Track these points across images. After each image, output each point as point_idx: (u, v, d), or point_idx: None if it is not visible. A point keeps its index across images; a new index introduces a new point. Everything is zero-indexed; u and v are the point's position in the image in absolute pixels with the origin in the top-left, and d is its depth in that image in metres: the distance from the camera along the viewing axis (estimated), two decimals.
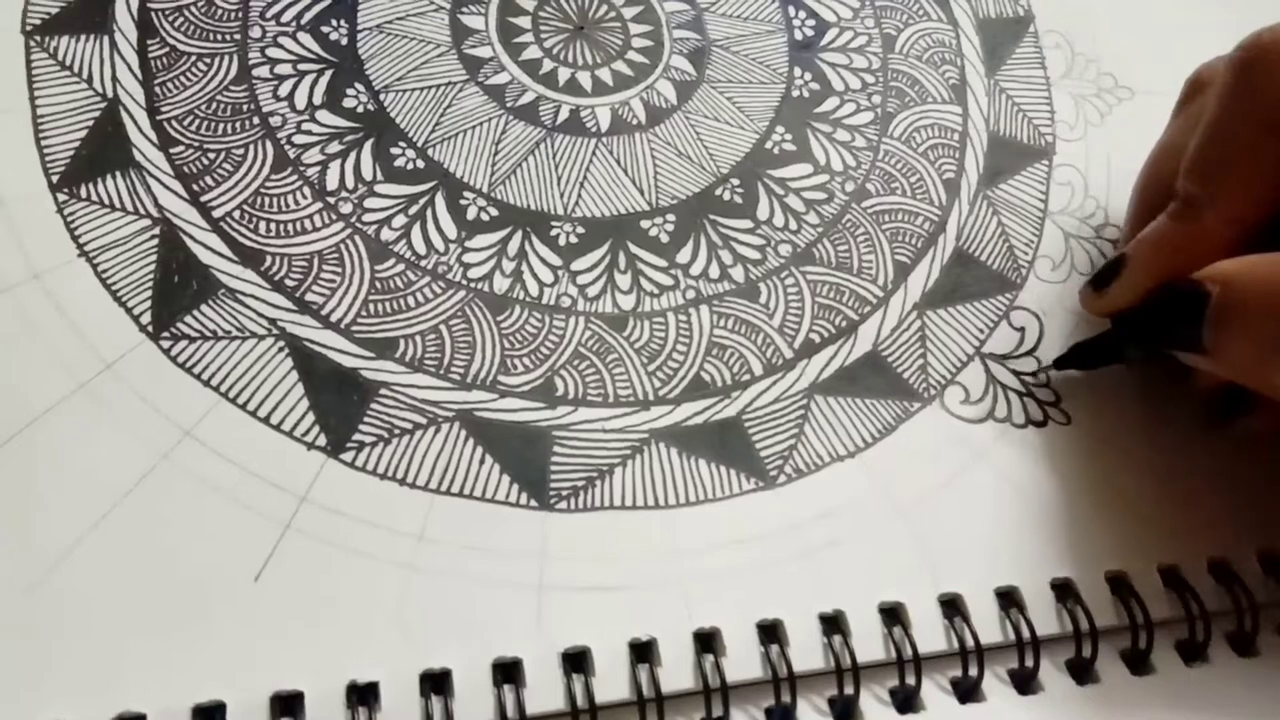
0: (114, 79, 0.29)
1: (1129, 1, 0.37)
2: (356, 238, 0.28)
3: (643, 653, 0.24)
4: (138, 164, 0.28)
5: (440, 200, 0.29)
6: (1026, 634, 0.26)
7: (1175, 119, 0.31)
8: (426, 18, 0.32)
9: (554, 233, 0.30)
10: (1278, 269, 0.24)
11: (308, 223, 0.28)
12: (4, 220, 0.26)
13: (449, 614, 0.24)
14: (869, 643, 0.25)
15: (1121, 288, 0.28)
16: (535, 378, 0.27)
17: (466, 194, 0.30)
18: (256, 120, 0.29)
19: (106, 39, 0.29)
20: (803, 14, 0.35)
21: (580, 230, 0.30)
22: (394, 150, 0.30)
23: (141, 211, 0.27)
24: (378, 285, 0.28)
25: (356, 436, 0.26)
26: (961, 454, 0.29)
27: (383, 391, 0.26)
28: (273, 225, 0.28)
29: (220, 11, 0.30)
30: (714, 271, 0.30)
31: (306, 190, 0.29)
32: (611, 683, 0.24)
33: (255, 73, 0.30)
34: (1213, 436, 0.30)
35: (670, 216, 0.31)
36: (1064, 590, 0.27)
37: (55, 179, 0.27)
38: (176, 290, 0.27)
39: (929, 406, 0.29)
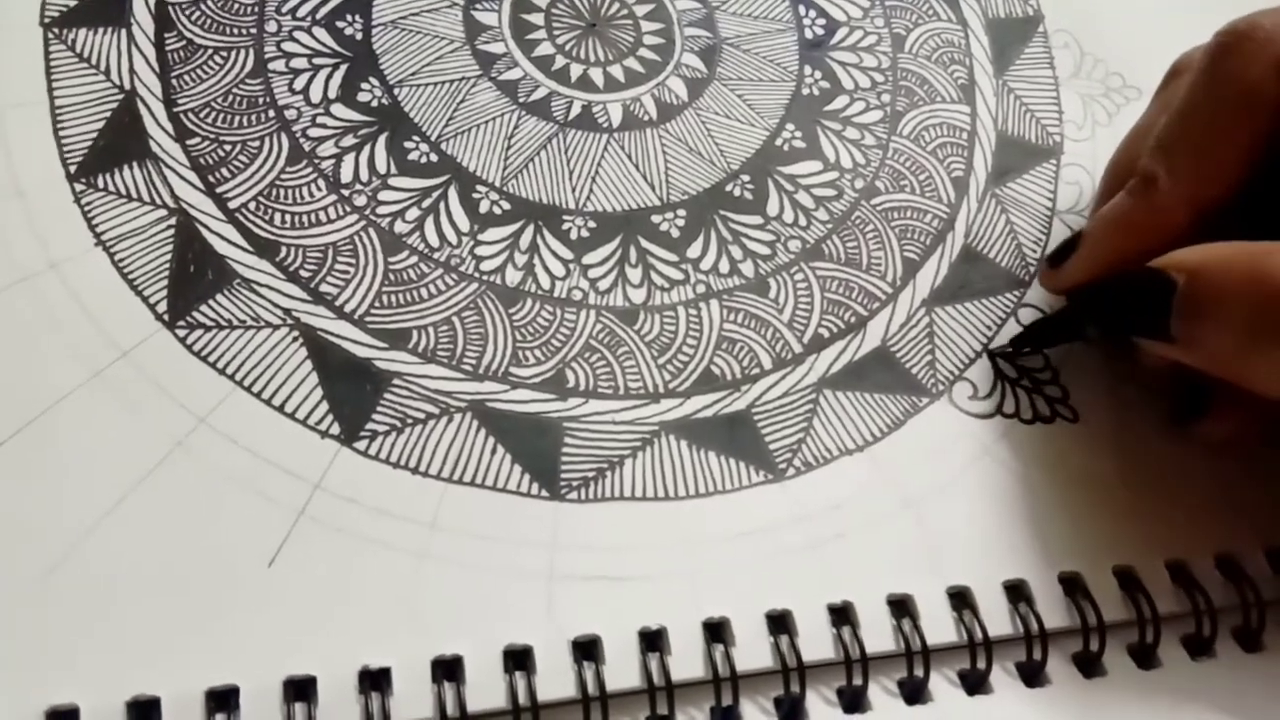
0: (131, 71, 0.29)
1: (1137, 1, 0.38)
2: (370, 230, 0.29)
3: (652, 642, 0.25)
4: (154, 155, 0.28)
5: (453, 194, 0.30)
6: (1034, 627, 0.26)
7: (1152, 104, 0.31)
8: (440, 14, 0.32)
9: (565, 227, 0.30)
10: (1250, 257, 0.24)
11: (322, 215, 0.28)
12: (22, 210, 0.27)
13: (461, 601, 0.24)
14: (877, 634, 0.26)
15: (1076, 264, 0.29)
16: (547, 369, 0.28)
17: (479, 188, 0.30)
18: (272, 113, 0.29)
19: (124, 32, 0.30)
20: (813, 13, 0.35)
21: (592, 224, 0.30)
22: (408, 144, 0.30)
23: (158, 202, 0.28)
24: (391, 277, 0.28)
25: (370, 425, 0.26)
26: (970, 448, 0.29)
27: (396, 381, 0.27)
28: (288, 217, 0.28)
29: (237, 6, 0.31)
30: (724, 266, 0.30)
31: (321, 183, 0.29)
32: (622, 671, 0.24)
33: (271, 66, 0.30)
34: (1179, 441, 0.29)
35: (681, 212, 0.31)
36: (1072, 584, 0.27)
37: (73, 169, 0.27)
38: (192, 280, 0.27)
39: (937, 402, 0.29)
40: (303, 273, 0.28)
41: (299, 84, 0.30)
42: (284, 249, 0.28)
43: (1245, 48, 0.26)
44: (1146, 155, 0.27)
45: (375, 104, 0.30)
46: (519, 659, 0.24)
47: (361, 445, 0.26)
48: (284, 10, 0.31)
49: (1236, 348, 0.24)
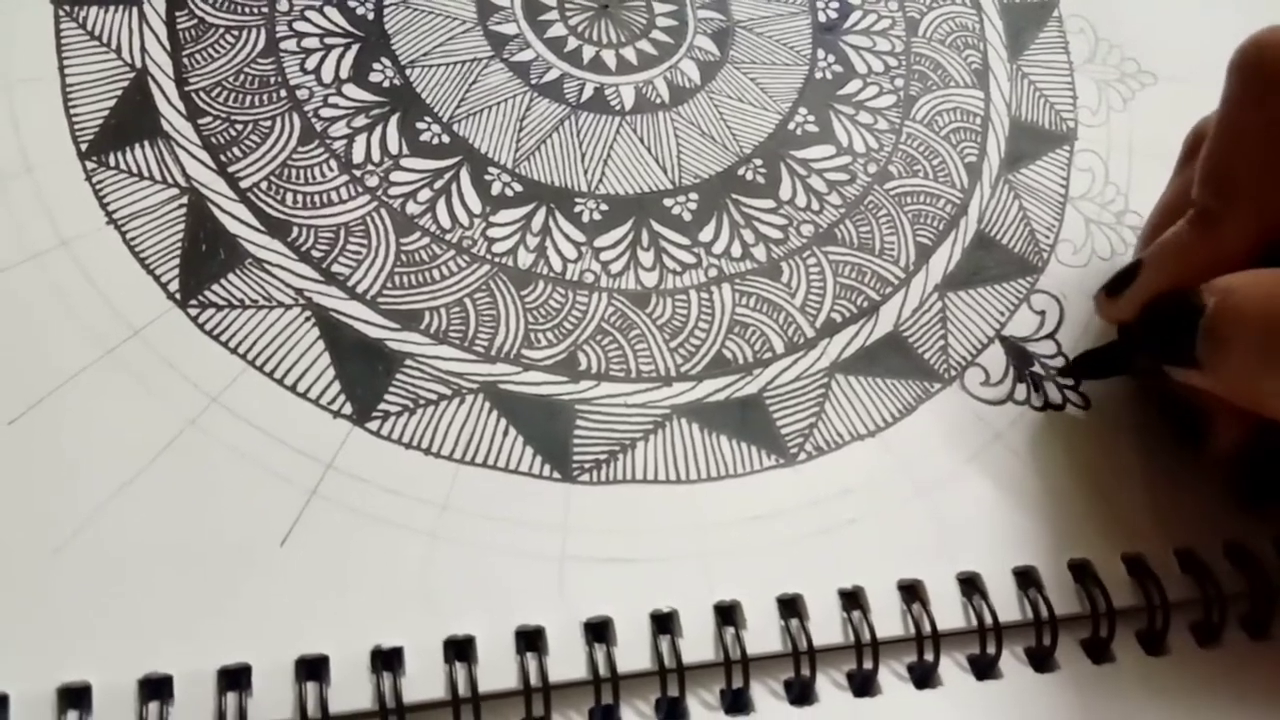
0: (143, 49, 0.29)
1: None
2: (382, 210, 0.28)
3: (664, 624, 0.25)
4: (166, 134, 0.28)
5: (465, 175, 0.30)
6: (1044, 613, 0.26)
7: (1176, 178, 0.30)
8: None
9: (578, 209, 0.30)
10: (1274, 279, 0.23)
11: (334, 195, 0.28)
12: (33, 187, 0.27)
13: (472, 582, 0.24)
14: (888, 619, 0.26)
15: (1136, 294, 0.27)
16: (558, 352, 0.28)
17: (491, 169, 0.30)
18: (284, 93, 0.29)
19: (135, 10, 0.29)
20: None
21: (604, 207, 0.30)
22: (419, 125, 0.30)
23: (169, 181, 0.27)
24: (403, 258, 0.28)
25: (382, 406, 0.26)
26: (981, 435, 0.29)
27: (408, 362, 0.27)
28: (299, 196, 0.28)
29: None
30: (736, 250, 0.30)
31: (333, 163, 0.29)
32: (633, 652, 0.24)
33: (283, 46, 0.30)
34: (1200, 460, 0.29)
35: (693, 195, 0.31)
36: (1081, 571, 0.27)
37: (84, 147, 0.27)
38: (204, 259, 0.27)
39: (949, 387, 0.29)
40: (314, 253, 0.27)
41: (311, 64, 0.30)
42: (296, 229, 0.28)
43: (1272, 66, 0.25)
44: (1199, 188, 0.26)
45: (387, 84, 0.30)
46: (531, 640, 0.24)
47: (374, 425, 0.26)
48: None
49: (1252, 370, 0.24)
